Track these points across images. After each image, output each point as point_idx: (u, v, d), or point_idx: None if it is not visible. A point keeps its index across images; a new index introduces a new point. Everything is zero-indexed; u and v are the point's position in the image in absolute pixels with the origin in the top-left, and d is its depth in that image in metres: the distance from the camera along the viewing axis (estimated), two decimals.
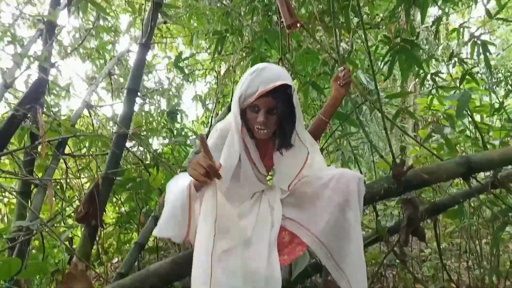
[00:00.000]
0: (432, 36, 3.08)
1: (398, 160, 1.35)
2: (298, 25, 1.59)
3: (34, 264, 2.08)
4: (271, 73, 1.23)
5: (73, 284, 1.86)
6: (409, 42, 2.23)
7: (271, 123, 1.27)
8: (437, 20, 2.77)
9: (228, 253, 1.13)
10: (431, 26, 2.73)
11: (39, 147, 2.11)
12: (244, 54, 3.43)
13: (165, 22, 4.30)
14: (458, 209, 2.10)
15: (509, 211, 1.66)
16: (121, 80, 4.27)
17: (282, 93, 1.23)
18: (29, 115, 1.98)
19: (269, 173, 1.41)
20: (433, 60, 2.82)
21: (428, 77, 2.61)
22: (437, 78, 2.69)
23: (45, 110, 2.30)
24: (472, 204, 2.35)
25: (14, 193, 2.31)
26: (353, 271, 1.21)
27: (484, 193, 1.79)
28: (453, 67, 2.96)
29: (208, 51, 4.35)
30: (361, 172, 1.69)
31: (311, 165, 1.37)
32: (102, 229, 2.45)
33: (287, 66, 2.06)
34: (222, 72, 4.67)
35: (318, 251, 1.24)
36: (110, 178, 2.21)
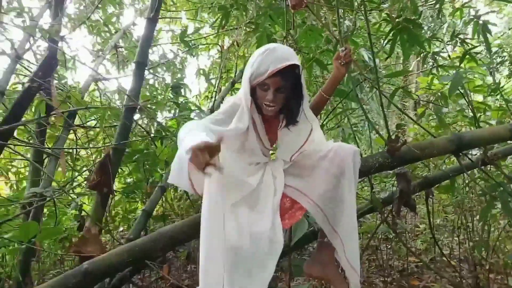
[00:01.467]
0: (435, 15, 3.11)
1: (393, 137, 1.45)
2: (303, 5, 1.65)
3: (48, 228, 2.23)
4: (281, 54, 1.31)
5: (87, 247, 2.00)
6: (410, 22, 2.28)
7: (279, 101, 1.36)
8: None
9: (236, 207, 1.24)
10: (435, 5, 2.76)
11: (52, 118, 2.21)
12: (248, 30, 3.47)
13: None
14: (450, 184, 2.22)
15: (497, 187, 1.77)
16: (125, 53, 4.32)
17: (290, 73, 1.32)
18: (43, 88, 2.06)
19: (272, 147, 1.51)
20: (437, 39, 2.86)
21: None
22: (439, 57, 2.75)
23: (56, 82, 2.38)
24: (466, 180, 2.46)
25: (29, 160, 2.42)
26: (345, 232, 1.35)
27: (475, 169, 1.89)
28: (454, 47, 3.01)
29: (212, 25, 4.36)
30: (359, 147, 1.79)
31: (312, 139, 1.48)
32: (112, 196, 2.57)
33: (291, 42, 2.12)
34: (225, 47, 4.69)
35: (316, 215, 1.37)
36: (120, 149, 2.31)
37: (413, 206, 1.68)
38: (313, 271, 1.54)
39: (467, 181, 2.22)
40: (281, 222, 1.32)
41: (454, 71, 1.82)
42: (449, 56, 2.50)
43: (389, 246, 4.93)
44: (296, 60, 1.33)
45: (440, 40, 2.89)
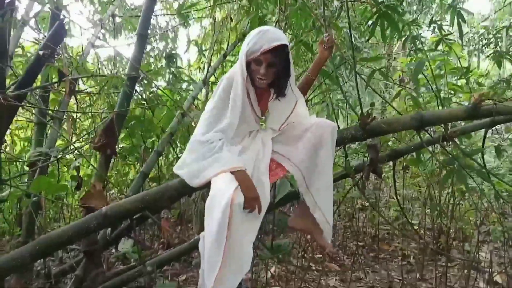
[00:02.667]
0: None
1: (365, 113, 1.71)
2: None
3: (54, 184, 2.45)
4: (273, 35, 1.55)
5: (92, 201, 2.25)
6: (390, 8, 2.50)
7: (270, 75, 1.59)
8: None
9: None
10: None
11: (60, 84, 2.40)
12: (241, 4, 3.63)
13: None
14: (416, 157, 2.52)
15: (453, 160, 2.07)
16: (118, 20, 4.42)
17: (280, 51, 1.55)
18: (52, 55, 2.24)
19: (262, 117, 1.75)
20: (416, 24, 3.10)
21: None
22: (418, 41, 2.99)
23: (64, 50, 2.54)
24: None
25: (45, 122, 2.62)
26: (318, 191, 1.65)
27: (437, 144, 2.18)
28: (433, 31, 3.26)
29: None
30: (337, 122, 2.06)
31: (298, 113, 1.73)
32: (115, 157, 2.79)
33: (282, 25, 2.33)
34: (218, 19, 4.81)
35: (296, 175, 1.66)
36: (122, 114, 2.53)
37: (379, 173, 1.97)
38: (295, 224, 1.85)
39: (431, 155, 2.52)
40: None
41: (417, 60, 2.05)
42: (421, 42, 2.74)
43: (364, 215, 5.35)
44: (285, 41, 1.57)
45: (418, 25, 3.13)
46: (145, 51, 4.07)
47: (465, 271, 3.16)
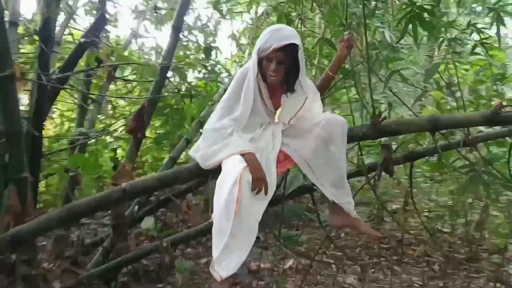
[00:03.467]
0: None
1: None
2: None
3: (91, 162, 2.67)
4: (284, 34, 1.61)
5: (121, 179, 2.43)
6: (423, 9, 2.47)
7: (280, 72, 1.65)
8: None
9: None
10: None
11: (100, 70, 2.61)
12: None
13: None
14: (440, 161, 2.49)
15: (471, 166, 2.05)
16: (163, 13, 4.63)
17: (291, 49, 1.61)
18: (94, 43, 2.44)
19: (275, 111, 1.83)
20: (453, 26, 3.02)
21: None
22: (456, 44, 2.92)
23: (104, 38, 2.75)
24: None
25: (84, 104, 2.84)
26: (329, 184, 1.68)
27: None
28: (471, 34, 3.16)
29: None
30: (354, 118, 2.09)
31: (311, 109, 1.79)
32: (144, 141, 2.98)
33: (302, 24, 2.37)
34: (258, 14, 4.90)
35: (303, 167, 1.71)
36: (154, 101, 2.70)
37: (391, 172, 1.99)
38: (335, 222, 1.82)
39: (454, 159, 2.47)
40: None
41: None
42: (460, 44, 2.68)
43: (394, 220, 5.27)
44: (296, 40, 1.61)
45: (456, 27, 3.05)
46: (184, 43, 4.26)
47: (492, 283, 3.06)
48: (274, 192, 1.71)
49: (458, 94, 3.38)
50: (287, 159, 1.74)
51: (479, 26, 2.99)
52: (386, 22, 3.26)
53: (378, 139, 2.04)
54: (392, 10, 2.03)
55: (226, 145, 1.61)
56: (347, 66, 2.07)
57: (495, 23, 2.84)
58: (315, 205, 2.31)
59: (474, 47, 2.87)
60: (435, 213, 4.50)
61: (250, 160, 1.56)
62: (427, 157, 2.36)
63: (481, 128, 2.55)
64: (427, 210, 4.80)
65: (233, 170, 1.51)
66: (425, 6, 2.57)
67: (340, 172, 1.69)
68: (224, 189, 1.48)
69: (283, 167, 1.73)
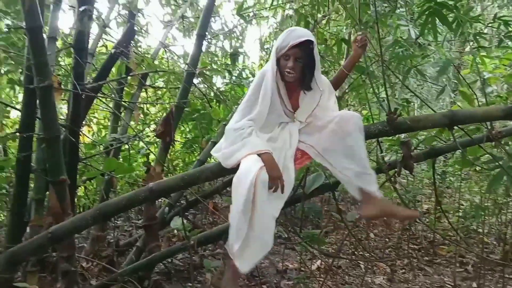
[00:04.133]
0: None
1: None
2: None
3: (124, 166, 2.83)
4: (299, 33, 1.71)
5: (152, 181, 2.56)
6: (443, 5, 2.45)
7: (298, 69, 1.72)
8: None
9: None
10: None
11: (130, 78, 2.77)
12: (303, 3, 3.77)
13: None
14: (463, 158, 2.46)
15: (494, 162, 2.01)
16: (192, 20, 4.80)
17: (306, 47, 1.69)
18: (124, 53, 2.60)
19: (294, 110, 1.89)
20: (478, 21, 2.97)
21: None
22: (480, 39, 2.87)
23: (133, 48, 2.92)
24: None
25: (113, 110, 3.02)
26: (352, 174, 1.67)
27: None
28: (498, 27, 3.08)
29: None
30: (372, 114, 2.11)
31: (326, 106, 1.84)
32: (173, 145, 3.12)
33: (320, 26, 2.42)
34: (283, 18, 4.98)
35: (321, 161, 1.75)
36: (181, 107, 2.83)
37: (411, 168, 1.99)
38: (369, 212, 1.74)
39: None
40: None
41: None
42: (485, 39, 2.63)
43: (428, 220, 5.16)
44: (310, 37, 1.71)
45: (481, 21, 2.99)
46: (209, 50, 4.41)
47: None
48: (296, 192, 1.77)
49: (489, 89, 3.32)
50: (304, 156, 1.80)
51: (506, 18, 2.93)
52: (410, 20, 3.25)
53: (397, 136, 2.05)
54: (405, 7, 2.03)
55: (244, 145, 1.68)
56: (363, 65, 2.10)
57: None
58: (336, 203, 2.34)
59: (501, 41, 2.82)
60: (469, 212, 4.37)
61: (267, 159, 1.63)
62: (451, 154, 2.33)
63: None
64: (461, 209, 4.68)
65: (249, 170, 1.57)
66: (444, 2, 2.56)
67: (362, 162, 1.69)
68: (240, 189, 1.55)
69: (300, 164, 1.79)
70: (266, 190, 1.58)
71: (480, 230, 4.11)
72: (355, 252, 4.01)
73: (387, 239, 4.47)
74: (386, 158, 2.17)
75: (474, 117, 1.80)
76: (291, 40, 1.68)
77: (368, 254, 3.94)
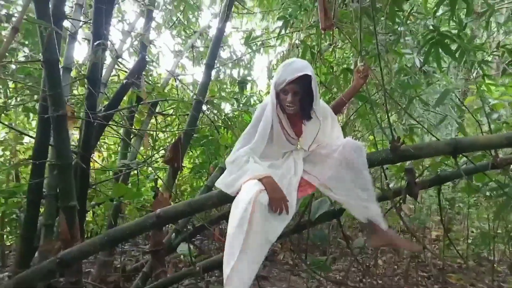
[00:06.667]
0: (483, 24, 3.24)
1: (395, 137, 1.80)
2: (333, 27, 2.04)
3: (132, 191, 2.88)
4: (296, 67, 1.72)
5: (159, 207, 2.60)
6: (446, 36, 2.53)
7: (297, 102, 1.77)
8: (489, 10, 2.92)
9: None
10: (481, 16, 2.93)
11: (140, 106, 2.85)
12: (309, 33, 3.88)
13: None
14: (469, 185, 2.46)
15: (498, 189, 2.02)
16: (201, 49, 4.95)
17: (303, 80, 1.71)
18: (135, 83, 2.69)
19: (298, 138, 1.93)
20: (482, 49, 3.04)
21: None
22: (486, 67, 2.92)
23: (144, 78, 3.02)
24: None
25: (122, 137, 3.10)
26: (355, 203, 1.70)
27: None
28: (502, 55, 3.13)
29: (274, 31, 4.80)
30: (376, 142, 2.14)
31: (330, 133, 1.88)
32: (181, 171, 3.17)
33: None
34: (290, 47, 5.10)
35: (326, 192, 1.77)
36: (189, 133, 2.89)
37: (416, 195, 2.00)
38: (375, 243, 1.80)
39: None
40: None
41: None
42: (489, 67, 2.68)
43: (437, 247, 5.09)
44: (308, 71, 1.72)
45: (485, 50, 3.05)
46: (218, 78, 4.52)
47: None
48: (301, 219, 1.78)
49: (494, 116, 3.34)
50: (307, 185, 1.82)
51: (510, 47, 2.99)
52: (414, 48, 3.32)
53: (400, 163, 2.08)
54: (410, 36, 2.10)
55: (244, 172, 1.72)
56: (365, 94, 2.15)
57: None
58: (342, 230, 2.34)
59: (504, 70, 2.87)
60: (478, 239, 4.30)
61: (268, 182, 1.65)
62: (456, 181, 2.34)
63: None
64: (471, 236, 4.61)
65: (248, 193, 1.59)
66: (447, 32, 2.63)
67: (366, 192, 1.72)
68: (238, 209, 1.57)
69: (303, 192, 1.81)
70: (265, 212, 1.59)
71: (491, 258, 4.04)
72: (363, 280, 3.95)
73: (395, 266, 4.40)
74: (391, 185, 2.18)
75: (477, 145, 1.82)
76: (288, 76, 1.70)
77: (376, 282, 3.87)
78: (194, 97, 2.93)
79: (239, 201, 1.60)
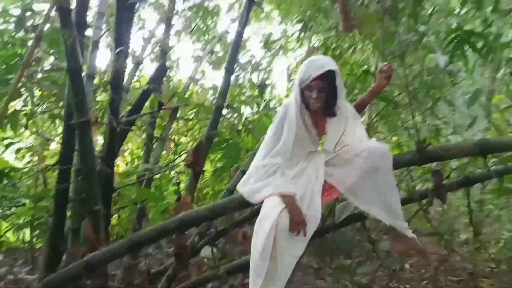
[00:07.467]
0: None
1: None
2: (353, 28, 2.01)
3: (155, 195, 2.91)
4: (320, 63, 1.72)
5: (182, 210, 2.62)
6: (471, 33, 2.45)
7: (322, 98, 1.74)
8: None
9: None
10: (508, 14, 2.84)
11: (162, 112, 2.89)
12: (331, 34, 3.85)
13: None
14: (500, 186, 2.37)
15: None
16: (221, 54, 4.98)
17: (328, 76, 1.70)
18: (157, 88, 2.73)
19: (320, 138, 1.90)
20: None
21: None
22: None
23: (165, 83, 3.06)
24: None
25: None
26: (379, 209, 1.70)
27: None
28: None
29: (293, 36, 4.78)
30: (400, 143, 2.09)
31: (353, 134, 1.83)
32: (202, 174, 3.19)
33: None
34: (309, 49, 5.07)
35: (350, 197, 1.76)
36: (210, 137, 2.91)
37: (443, 197, 1.94)
38: (398, 249, 1.82)
39: None
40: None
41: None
42: None
43: (466, 251, 4.93)
44: (331, 66, 1.70)
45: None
46: (237, 82, 4.54)
47: None
48: (325, 222, 1.75)
49: None
50: (332, 188, 1.79)
51: None
52: (438, 48, 3.24)
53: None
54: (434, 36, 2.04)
55: (268, 184, 1.71)
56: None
57: None
58: (367, 232, 2.29)
59: None
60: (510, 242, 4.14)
61: (290, 203, 1.64)
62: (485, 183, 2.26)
63: None
64: (502, 239, 4.44)
65: (270, 215, 1.60)
66: (472, 30, 2.55)
67: (390, 198, 1.71)
68: (260, 234, 1.58)
69: (329, 196, 1.78)
70: (287, 233, 1.59)
71: None
72: (389, 284, 3.86)
73: (423, 270, 4.28)
74: (417, 187, 2.13)
75: (504, 145, 1.76)
76: (313, 72, 1.69)
77: (403, 286, 3.78)
78: (215, 101, 2.94)
79: (261, 226, 1.61)
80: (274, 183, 1.70)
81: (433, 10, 2.98)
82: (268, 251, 1.54)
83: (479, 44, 2.50)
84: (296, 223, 1.62)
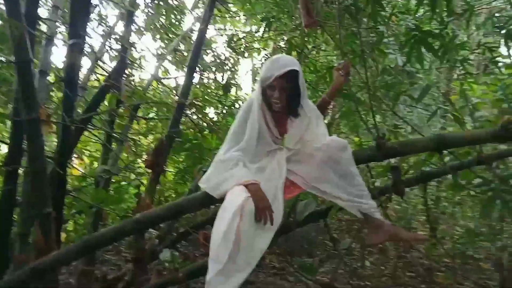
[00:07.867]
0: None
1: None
2: (316, 24, 2.01)
3: (113, 196, 2.79)
4: (283, 62, 1.69)
5: (141, 211, 2.52)
6: (428, 34, 2.52)
7: (284, 98, 1.73)
8: (469, 9, 2.92)
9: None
10: (462, 16, 2.95)
11: (121, 110, 2.77)
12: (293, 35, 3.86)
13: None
14: (455, 182, 2.45)
15: (484, 185, 2.01)
16: (185, 54, 4.89)
17: (291, 76, 1.69)
18: (115, 86, 2.62)
19: (282, 137, 1.88)
20: (464, 48, 3.05)
21: None
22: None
23: (125, 81, 2.95)
24: None
25: (102, 142, 3.01)
26: (348, 199, 1.66)
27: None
28: (483, 54, 3.16)
29: (257, 32, 4.78)
30: (361, 140, 2.11)
31: (316, 133, 1.83)
32: (163, 175, 3.09)
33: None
34: (273, 48, 5.08)
35: (315, 191, 1.73)
36: (171, 137, 2.83)
37: (402, 193, 1.98)
38: (375, 240, 1.74)
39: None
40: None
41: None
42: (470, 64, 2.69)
43: (423, 247, 5.09)
44: (295, 66, 1.70)
45: (467, 49, 3.07)
46: (202, 82, 4.47)
47: None
48: (287, 219, 1.72)
49: (478, 114, 3.36)
50: (294, 185, 1.77)
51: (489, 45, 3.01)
52: (396, 48, 3.33)
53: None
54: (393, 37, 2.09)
55: (231, 176, 1.66)
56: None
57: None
58: (329, 231, 2.30)
59: (486, 67, 2.88)
60: (464, 238, 4.32)
61: (254, 190, 1.59)
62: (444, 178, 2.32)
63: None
64: (456, 235, 4.62)
65: (234, 201, 1.53)
66: (430, 31, 2.63)
67: (357, 187, 1.69)
68: (224, 219, 1.50)
69: (290, 193, 1.76)
70: (253, 222, 1.53)
71: (477, 256, 4.06)
72: (351, 282, 3.92)
73: (383, 267, 4.38)
74: (376, 184, 2.16)
75: (462, 140, 1.80)
76: (275, 71, 1.67)
77: (363, 283, 3.85)
78: (177, 99, 2.87)
79: (225, 211, 1.54)
80: (237, 174, 1.65)
81: (393, 10, 3.06)
82: (230, 236, 1.45)
83: (436, 46, 2.58)
84: (262, 208, 1.55)
